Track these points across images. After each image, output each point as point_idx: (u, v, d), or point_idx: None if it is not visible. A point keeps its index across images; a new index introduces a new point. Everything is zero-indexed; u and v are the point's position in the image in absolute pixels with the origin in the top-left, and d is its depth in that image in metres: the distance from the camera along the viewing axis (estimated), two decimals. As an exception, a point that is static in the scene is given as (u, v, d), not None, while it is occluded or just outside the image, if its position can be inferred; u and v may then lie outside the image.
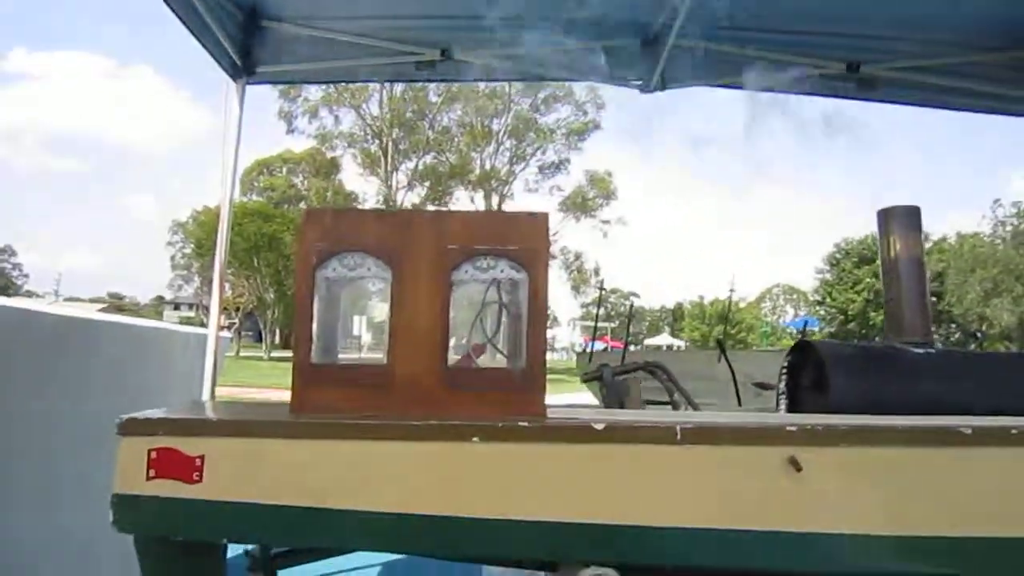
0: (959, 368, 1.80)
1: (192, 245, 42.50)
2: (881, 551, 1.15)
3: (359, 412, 1.26)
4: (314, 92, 34.28)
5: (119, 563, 3.83)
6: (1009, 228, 34.10)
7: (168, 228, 45.80)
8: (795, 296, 54.38)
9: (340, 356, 1.46)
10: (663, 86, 3.52)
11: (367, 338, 1.52)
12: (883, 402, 1.32)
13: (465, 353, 1.41)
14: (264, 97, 33.97)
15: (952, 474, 1.18)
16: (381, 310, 1.38)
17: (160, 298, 57.31)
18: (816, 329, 37.79)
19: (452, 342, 1.36)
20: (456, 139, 36.59)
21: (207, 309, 41.53)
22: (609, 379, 1.91)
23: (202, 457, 1.22)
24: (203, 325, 5.26)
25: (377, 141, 35.99)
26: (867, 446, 1.18)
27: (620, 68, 3.55)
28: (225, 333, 5.45)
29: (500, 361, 1.42)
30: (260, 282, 37.81)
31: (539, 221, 1.36)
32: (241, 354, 36.95)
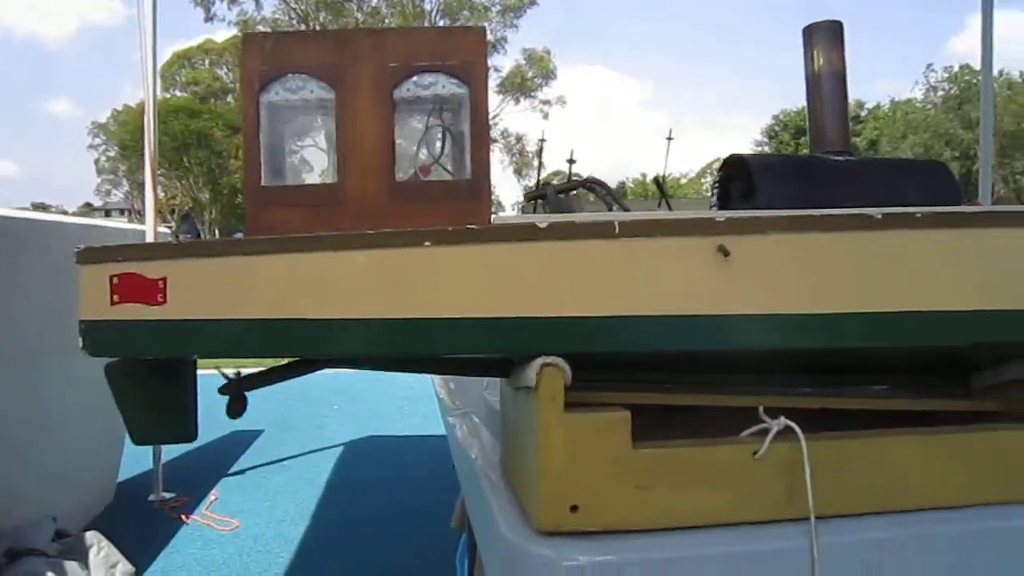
0: (874, 173, 1.94)
1: (116, 147, 40.48)
2: (800, 327, 1.28)
3: (313, 230, 1.30)
4: (231, -26, 32.06)
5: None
6: (941, 94, 34.63)
7: (88, 130, 43.43)
8: (735, 170, 54.95)
9: (289, 178, 1.48)
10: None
11: (316, 160, 1.53)
12: (805, 205, 1.42)
13: (413, 170, 1.45)
14: (176, -19, 31.55)
15: (863, 256, 1.30)
16: (327, 132, 1.39)
17: (88, 205, 54.95)
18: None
19: (400, 160, 1.39)
20: (387, 20, 34.90)
21: (140, 214, 40.06)
22: (552, 196, 1.99)
23: (164, 279, 1.26)
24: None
25: (304, 26, 34.10)
26: (788, 232, 1.28)
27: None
28: (164, 229, 5.34)
29: (446, 175, 1.47)
30: (193, 182, 36.50)
31: (476, 34, 1.39)
32: (181, 257, 35.97)
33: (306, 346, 1.31)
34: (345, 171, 1.35)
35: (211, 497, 4.64)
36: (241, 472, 5.23)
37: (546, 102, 37.22)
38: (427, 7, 34.45)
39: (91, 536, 3.26)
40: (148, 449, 4.57)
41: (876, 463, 1.29)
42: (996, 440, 1.33)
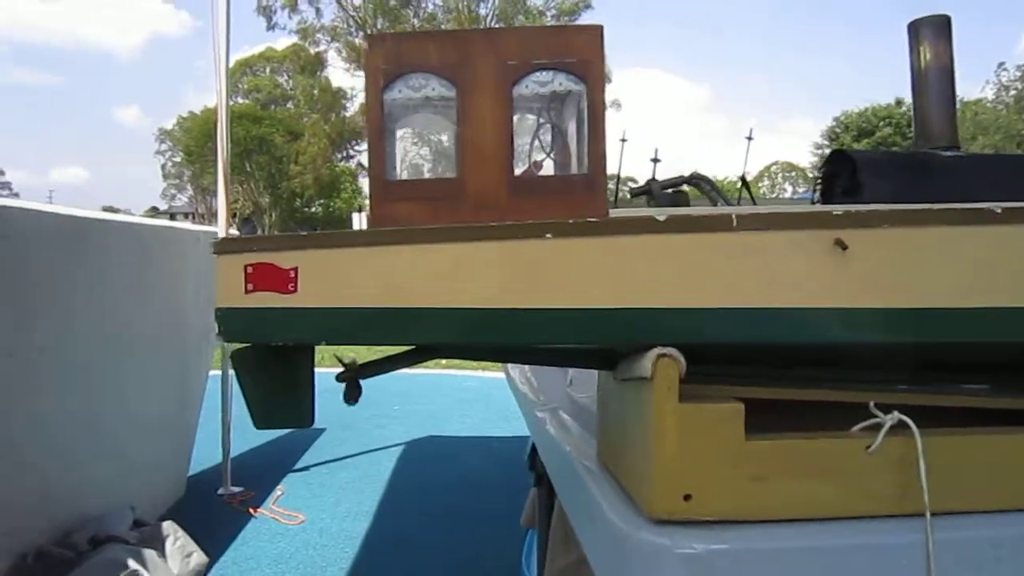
0: (984, 169, 1.91)
1: (181, 153, 41.87)
2: (916, 322, 1.27)
3: (435, 224, 1.33)
4: (292, -17, 32.88)
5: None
6: (1013, 93, 33.33)
7: (154, 137, 45.03)
8: (793, 173, 54.00)
9: (411, 173, 1.52)
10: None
11: (437, 155, 1.57)
12: (912, 200, 1.39)
13: (529, 165, 1.46)
14: (240, -8, 32.53)
15: (981, 250, 1.28)
16: (448, 128, 1.43)
17: (154, 209, 56.92)
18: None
19: (518, 155, 1.42)
20: (443, 26, 35.31)
21: (203, 217, 41.37)
22: (657, 191, 1.99)
23: (296, 269, 1.31)
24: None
25: (361, 33, 34.74)
26: (906, 226, 1.27)
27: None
28: (234, 231, 5.49)
29: (563, 170, 1.49)
30: (254, 187, 37.50)
31: (593, 32, 1.42)
32: (242, 260, 36.93)
33: (428, 335, 1.34)
34: (465, 166, 1.37)
35: (277, 492, 4.73)
36: (306, 468, 5.32)
37: (601, 105, 37.10)
38: (482, 12, 34.75)
39: (167, 526, 3.35)
40: (216, 444, 4.68)
41: (992, 460, 1.25)
42: None
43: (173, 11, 79.19)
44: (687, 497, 1.15)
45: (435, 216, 1.34)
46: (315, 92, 38.37)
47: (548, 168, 1.53)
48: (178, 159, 43.42)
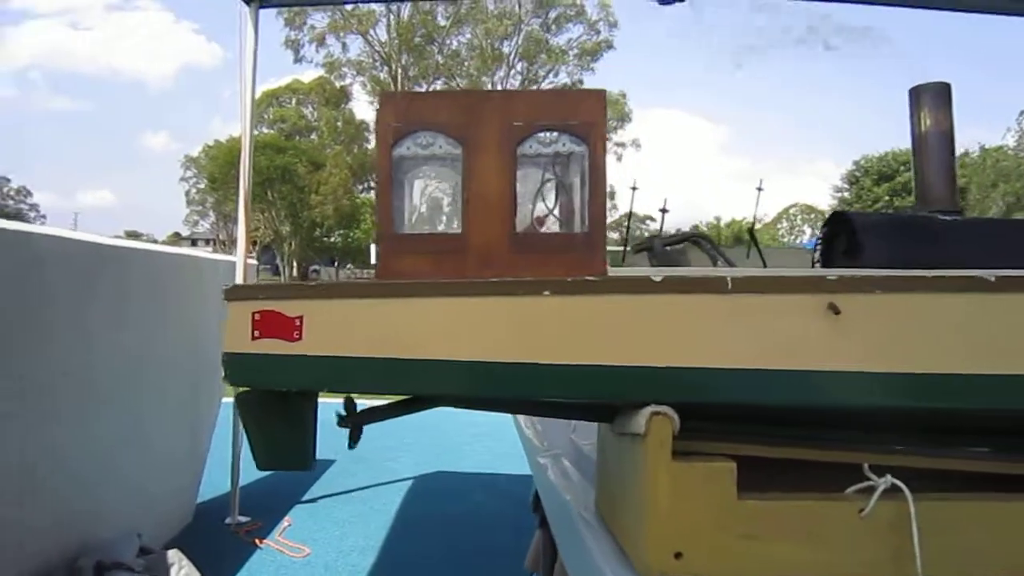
0: (983, 233, 1.93)
1: (205, 180, 42.52)
2: (906, 387, 1.28)
3: (438, 277, 1.37)
4: (320, 19, 33.63)
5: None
6: (1034, 140, 33.23)
7: (180, 163, 45.81)
8: (813, 216, 53.78)
9: (418, 227, 1.57)
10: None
11: (442, 210, 1.62)
12: (910, 263, 1.41)
13: (531, 222, 1.51)
14: (269, 26, 33.33)
15: (974, 318, 1.29)
16: (454, 185, 1.47)
17: (177, 234, 57.71)
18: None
19: (520, 212, 1.46)
20: (466, 63, 35.86)
21: (224, 244, 41.82)
22: (659, 248, 2.03)
23: (301, 317, 1.36)
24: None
25: (386, 68, 35.36)
26: (899, 292, 1.29)
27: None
28: (252, 260, 5.57)
29: (565, 228, 1.53)
30: (275, 215, 37.93)
31: (597, 97, 1.47)
32: (260, 287, 37.25)
33: (429, 386, 1.38)
34: (469, 222, 1.42)
35: (284, 523, 4.72)
36: (313, 500, 5.31)
37: (621, 144, 37.39)
38: (505, 50, 35.28)
39: (173, 554, 3.36)
40: (226, 473, 4.70)
41: (986, 526, 1.25)
42: None
43: (205, 43, 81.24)
44: (678, 555, 1.17)
45: (439, 270, 1.39)
46: (339, 124, 38.94)
47: (552, 224, 1.57)
48: (202, 186, 44.08)
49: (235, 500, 4.72)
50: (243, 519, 4.68)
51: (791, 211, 55.91)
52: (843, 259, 1.82)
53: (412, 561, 4.22)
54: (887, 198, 40.45)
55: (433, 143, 1.45)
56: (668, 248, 2.06)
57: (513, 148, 1.42)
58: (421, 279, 1.37)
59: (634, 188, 2.33)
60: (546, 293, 1.31)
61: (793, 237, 53.21)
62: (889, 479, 1.20)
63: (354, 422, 1.56)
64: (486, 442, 7.25)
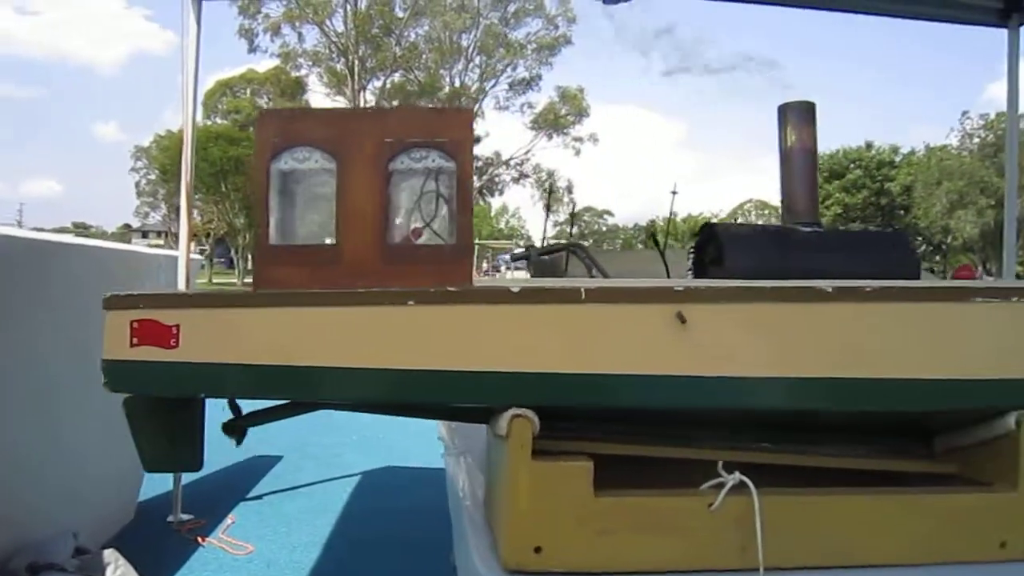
0: (842, 244, 2.08)
1: (156, 171, 41.54)
2: (751, 390, 1.38)
3: (312, 287, 1.43)
4: (275, 7, 33.10)
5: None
6: (976, 140, 34.29)
7: (130, 154, 44.65)
8: (767, 211, 54.83)
9: (293, 239, 1.62)
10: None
11: (317, 223, 1.68)
12: (770, 272, 1.51)
13: (405, 234, 1.58)
14: (223, 15, 32.68)
15: (814, 325, 1.38)
16: (328, 199, 1.53)
17: (127, 226, 56.35)
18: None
19: (393, 225, 1.53)
20: (424, 56, 35.65)
21: (176, 236, 40.80)
22: (535, 258, 2.11)
23: (177, 326, 1.40)
24: (172, 249, 5.27)
25: (343, 59, 34.96)
26: (742, 302, 1.38)
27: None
28: (196, 256, 5.48)
29: (434, 239, 1.60)
30: (229, 207, 37.25)
31: (464, 115, 1.56)
32: (214, 280, 36.74)
33: (301, 391, 1.43)
34: (343, 234, 1.48)
35: (228, 521, 4.70)
36: (259, 497, 5.29)
37: (578, 139, 37.59)
38: (464, 43, 35.15)
39: (109, 554, 3.33)
40: (169, 470, 4.65)
41: (828, 519, 1.36)
42: (948, 501, 1.37)
43: (159, 30, 79.24)
44: (538, 550, 1.24)
45: (313, 280, 1.44)
46: (295, 115, 38.33)
47: (426, 238, 1.63)
48: (153, 177, 43.05)
49: (178, 498, 4.67)
50: (185, 517, 4.64)
51: (746, 207, 56.93)
52: (712, 268, 1.92)
53: (358, 556, 4.24)
54: (838, 195, 41.41)
55: (309, 158, 1.51)
56: (544, 257, 2.15)
57: (385, 164, 1.48)
58: (296, 289, 1.41)
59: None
60: (410, 303, 1.37)
61: (747, 232, 53.96)
62: (737, 475, 1.30)
63: (241, 424, 1.61)
64: (433, 437, 7.28)
